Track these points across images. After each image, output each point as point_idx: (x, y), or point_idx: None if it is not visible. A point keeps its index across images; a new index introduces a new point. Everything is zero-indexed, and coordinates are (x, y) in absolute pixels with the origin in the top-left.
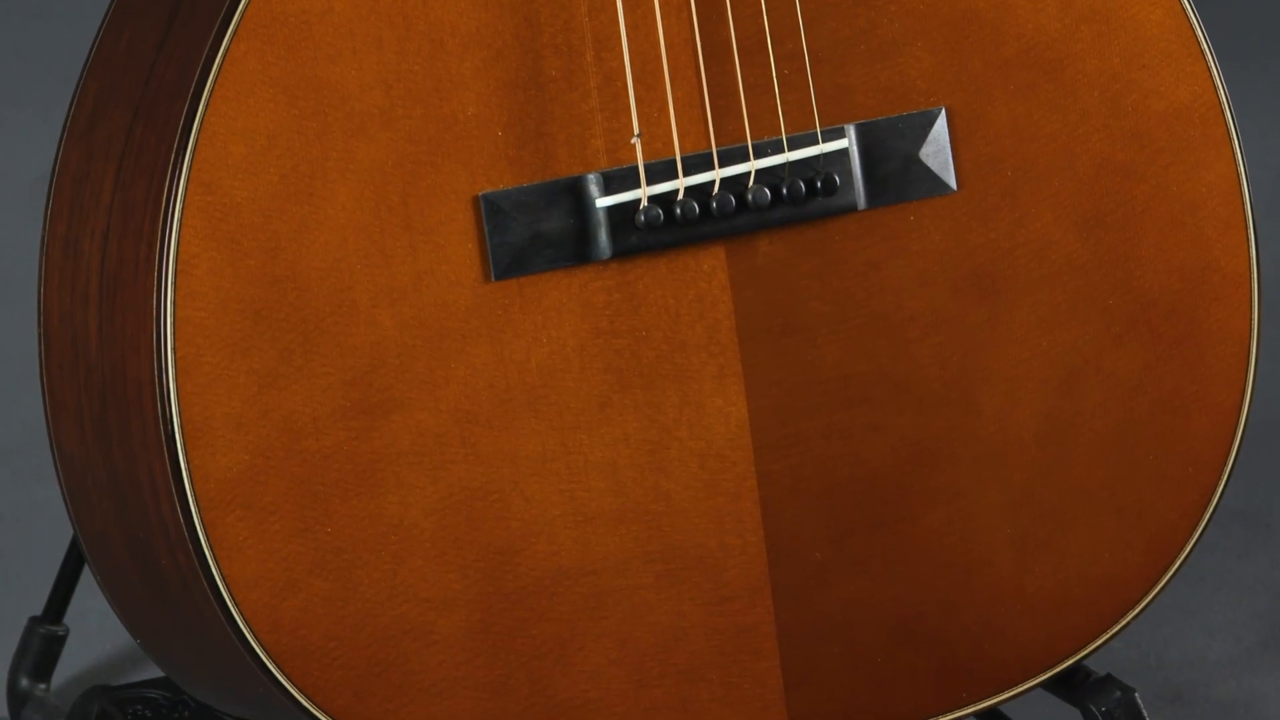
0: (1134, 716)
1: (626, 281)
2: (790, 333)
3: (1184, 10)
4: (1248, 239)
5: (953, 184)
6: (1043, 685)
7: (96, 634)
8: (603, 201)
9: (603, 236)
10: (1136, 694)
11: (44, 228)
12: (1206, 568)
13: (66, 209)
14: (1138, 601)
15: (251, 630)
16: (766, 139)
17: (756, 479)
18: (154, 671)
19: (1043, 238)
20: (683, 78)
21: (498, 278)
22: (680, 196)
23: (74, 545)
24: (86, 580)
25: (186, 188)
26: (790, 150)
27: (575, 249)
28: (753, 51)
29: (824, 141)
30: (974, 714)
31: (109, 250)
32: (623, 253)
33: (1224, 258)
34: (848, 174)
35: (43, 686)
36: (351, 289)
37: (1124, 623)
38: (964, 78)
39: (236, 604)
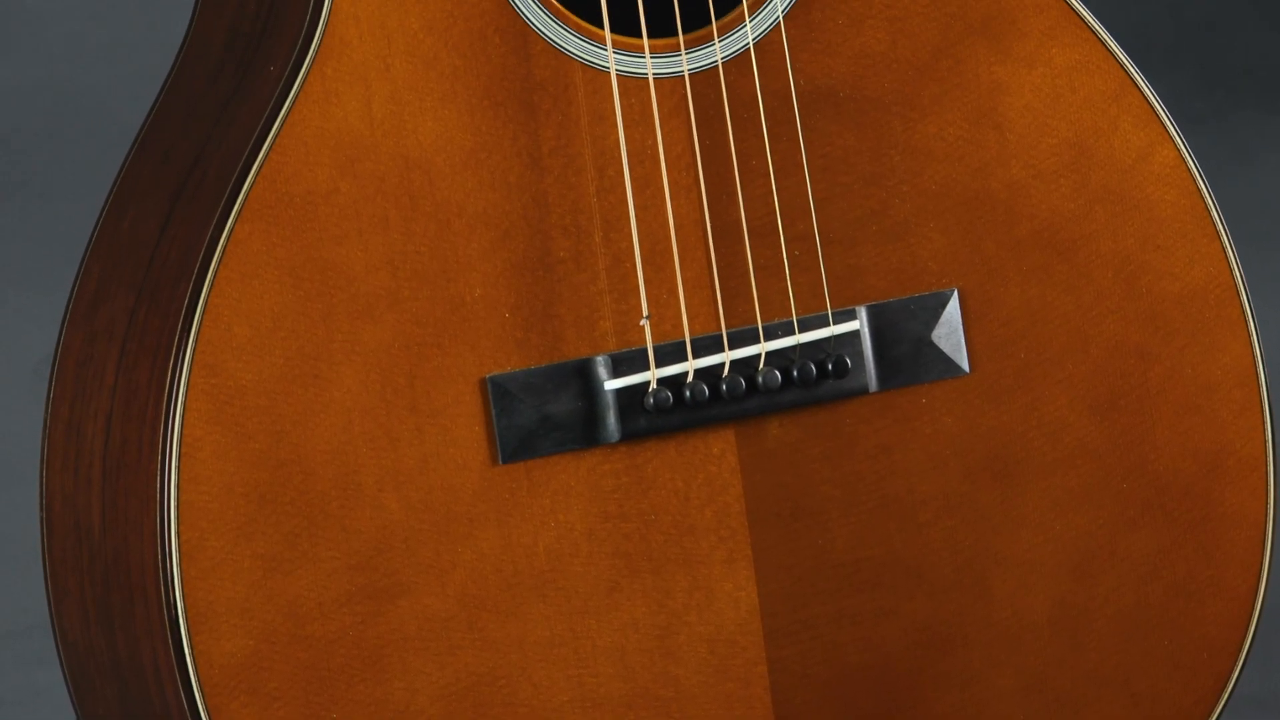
0: None
1: (635, 464)
2: (801, 516)
3: (1199, 190)
4: (1264, 422)
5: (965, 366)
6: None
7: None
8: (611, 384)
9: (611, 419)
10: None
11: (46, 411)
12: None
13: (69, 391)
14: None
15: None
16: (777, 320)
17: (767, 665)
18: None
19: (1056, 420)
20: (692, 259)
21: (505, 461)
22: (690, 379)
23: None
24: None
25: (190, 370)
26: (801, 332)
27: (583, 432)
28: (763, 233)
29: (835, 323)
30: None
31: (112, 433)
32: (631, 436)
33: (1239, 441)
34: (859, 356)
35: None
36: (357, 472)
37: None
38: (977, 258)
39: None
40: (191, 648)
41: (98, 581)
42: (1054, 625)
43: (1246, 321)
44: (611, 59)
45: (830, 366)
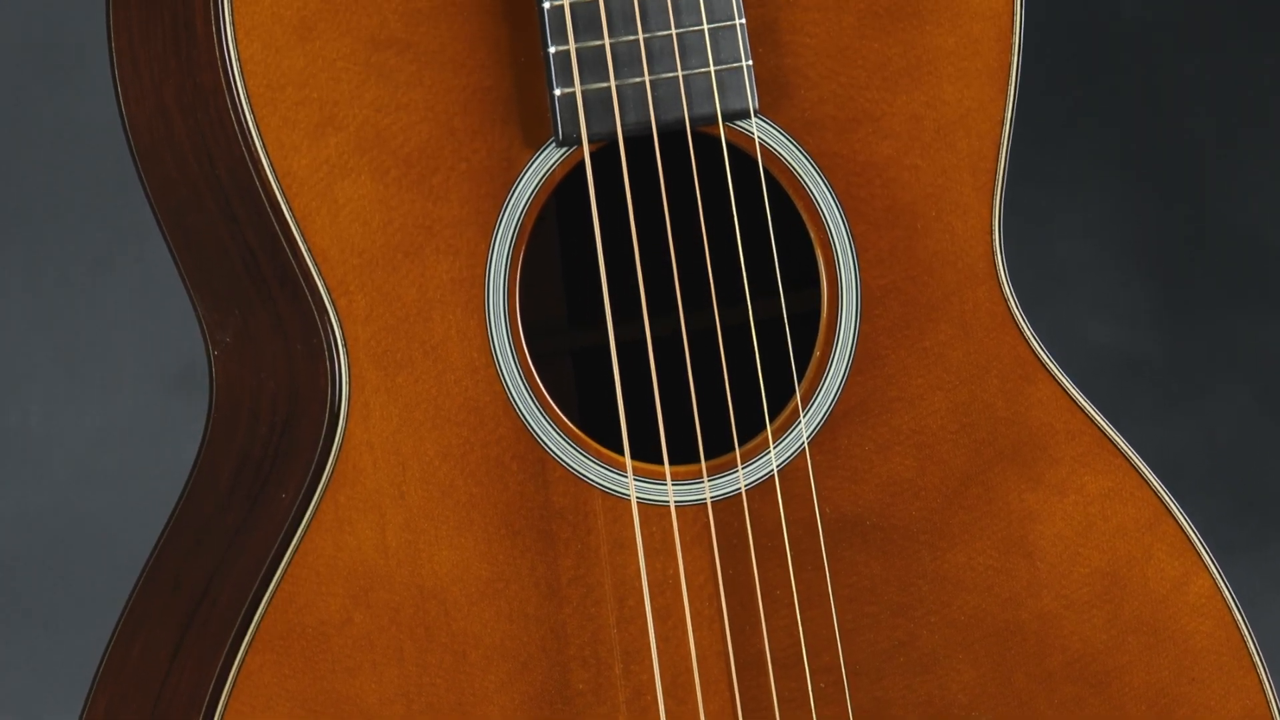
0: None
1: None
2: None
3: (1235, 621)
4: None
5: None
6: None
7: None
8: None
9: None
10: None
11: None
12: None
13: None
14: None
15: None
16: None
17: None
18: None
19: None
20: (715, 691)
21: None
22: None
23: None
24: None
25: None
26: None
27: None
28: (788, 664)
29: None
30: None
31: None
32: None
33: None
34: None
35: None
36: None
37: None
38: (1007, 691)
39: None
40: None
41: None
42: None
43: None
44: (632, 487)
45: None
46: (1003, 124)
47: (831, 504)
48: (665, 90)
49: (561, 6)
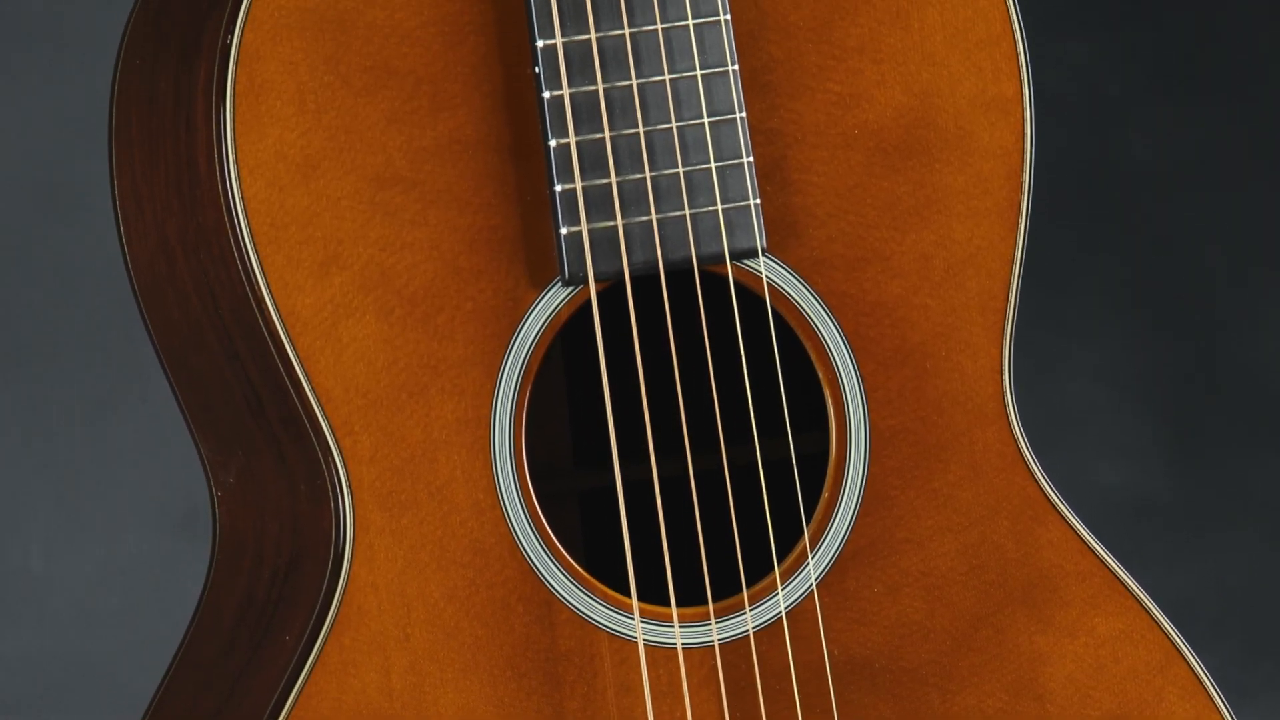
0: None
1: None
2: None
3: None
4: None
5: None
6: None
7: None
8: None
9: None
10: None
11: None
12: None
13: None
14: None
15: None
16: None
17: None
18: None
19: None
20: None
21: None
22: None
23: None
24: None
25: None
26: None
27: None
28: None
29: None
30: None
31: None
32: None
33: None
34: None
35: None
36: None
37: None
38: None
39: None
40: None
41: None
42: None
43: None
44: (639, 630)
45: None
46: (1013, 263)
47: (840, 646)
48: (672, 229)
49: (568, 144)
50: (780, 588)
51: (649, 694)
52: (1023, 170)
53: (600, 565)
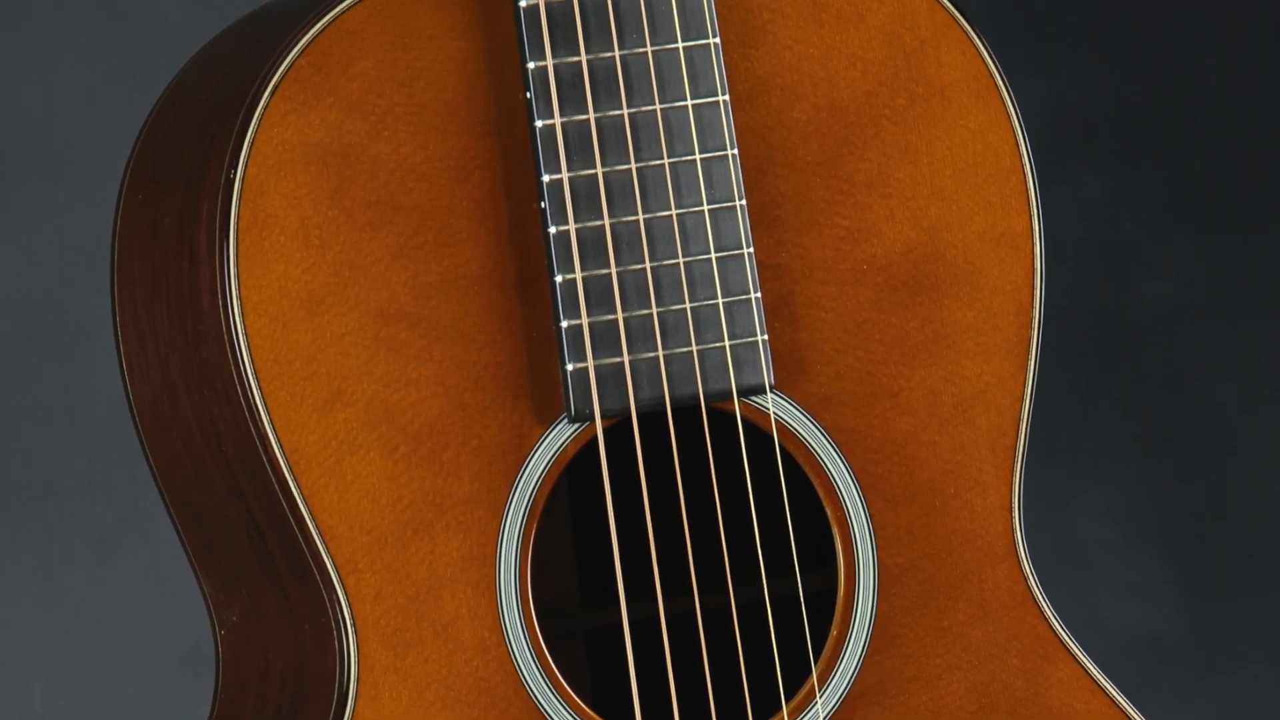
0: None
1: None
2: None
3: None
4: None
5: None
6: None
7: None
8: None
9: None
10: None
11: None
12: None
13: None
14: None
15: None
16: None
17: None
18: None
19: None
20: None
21: None
22: None
23: None
24: None
25: None
26: None
27: None
28: None
29: None
30: None
31: None
32: None
33: None
34: None
35: None
36: None
37: None
38: None
39: None
40: None
41: None
42: None
43: None
44: None
45: None
46: (1022, 400)
47: None
48: (679, 366)
49: (574, 280)
50: None
51: None
52: (1033, 305)
53: (607, 704)
